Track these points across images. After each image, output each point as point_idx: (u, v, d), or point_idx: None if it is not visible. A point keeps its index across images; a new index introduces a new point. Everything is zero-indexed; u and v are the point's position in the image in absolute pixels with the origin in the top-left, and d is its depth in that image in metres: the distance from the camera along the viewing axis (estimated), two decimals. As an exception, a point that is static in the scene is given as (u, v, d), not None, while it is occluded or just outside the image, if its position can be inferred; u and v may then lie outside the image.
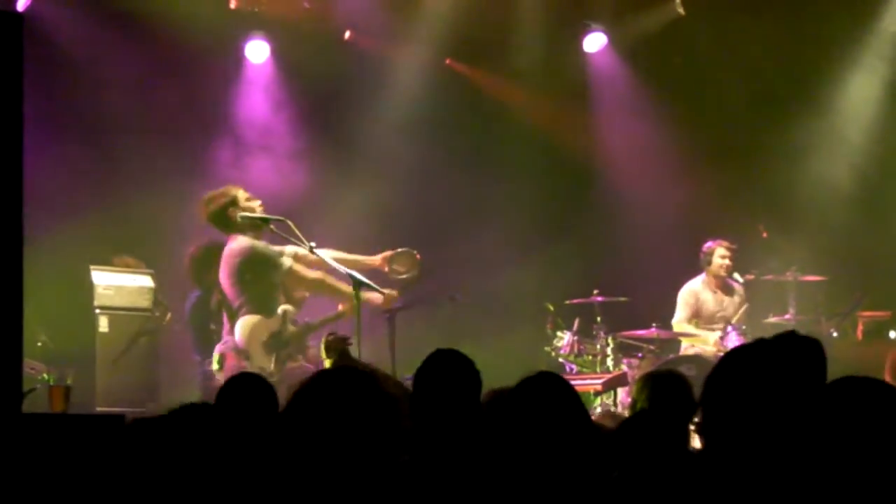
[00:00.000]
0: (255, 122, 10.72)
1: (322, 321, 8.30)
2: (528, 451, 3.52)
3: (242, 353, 7.83)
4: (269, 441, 4.36)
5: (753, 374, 3.19)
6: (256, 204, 8.23)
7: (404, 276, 8.34)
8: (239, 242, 8.07)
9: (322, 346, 6.83)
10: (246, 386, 4.63)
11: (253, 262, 8.00)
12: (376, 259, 8.31)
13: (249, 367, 7.74)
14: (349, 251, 8.54)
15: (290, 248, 8.11)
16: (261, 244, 8.08)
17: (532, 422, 3.55)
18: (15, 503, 4.29)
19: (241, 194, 8.23)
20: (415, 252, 8.42)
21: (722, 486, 3.09)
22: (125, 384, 8.76)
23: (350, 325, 7.61)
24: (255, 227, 8.10)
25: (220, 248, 8.34)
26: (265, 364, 7.83)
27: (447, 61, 11.34)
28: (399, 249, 8.44)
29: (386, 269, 8.30)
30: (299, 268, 8.05)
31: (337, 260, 7.82)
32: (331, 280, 8.07)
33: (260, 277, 8.00)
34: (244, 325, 7.90)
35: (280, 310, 8.05)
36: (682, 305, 10.41)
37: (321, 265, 8.05)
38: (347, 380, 3.14)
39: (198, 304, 9.01)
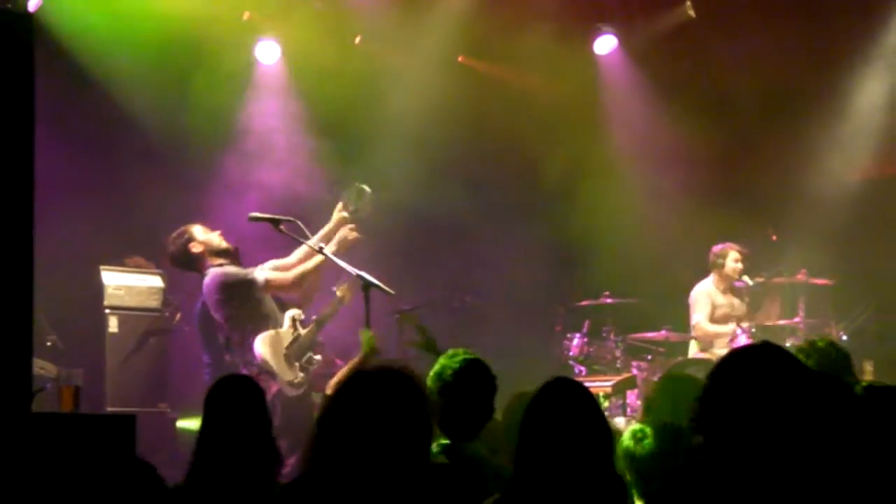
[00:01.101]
0: (264, 125, 10.73)
1: (328, 314, 8.30)
2: (548, 454, 3.53)
3: (268, 373, 7.79)
4: (259, 441, 4.37)
5: (755, 377, 3.17)
6: (215, 235, 8.19)
7: (363, 213, 8.27)
8: (210, 277, 8.03)
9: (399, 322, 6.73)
10: (234, 388, 4.62)
11: (230, 288, 7.96)
12: (341, 218, 8.23)
13: (280, 384, 7.73)
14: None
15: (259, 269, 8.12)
16: (230, 268, 8.05)
17: (552, 426, 3.55)
18: (25, 503, 4.30)
19: (198, 229, 8.18)
20: (362, 186, 8.34)
21: (721, 486, 3.08)
22: (135, 384, 8.78)
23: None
24: (219, 254, 8.08)
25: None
26: (291, 377, 7.80)
27: (460, 58, 11.32)
28: (347, 193, 8.34)
29: (347, 215, 8.22)
30: (274, 276, 8.02)
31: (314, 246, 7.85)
32: (307, 267, 8.03)
33: (245, 299, 7.97)
34: (263, 342, 7.86)
35: (288, 317, 8.04)
36: (700, 305, 10.33)
37: (307, 265, 8.08)
38: (386, 380, 3.16)
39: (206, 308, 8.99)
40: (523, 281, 11.04)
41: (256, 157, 10.58)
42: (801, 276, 10.35)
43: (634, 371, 9.98)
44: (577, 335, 10.20)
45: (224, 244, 8.12)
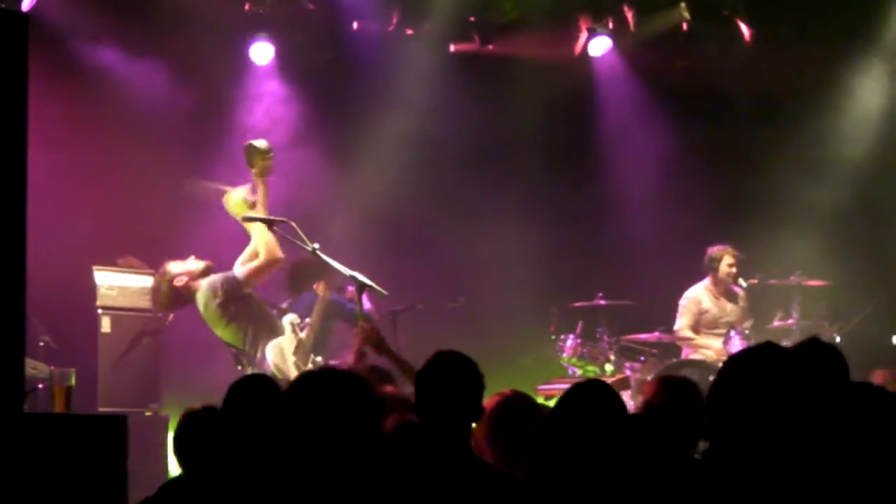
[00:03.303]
0: (260, 124, 10.72)
1: (317, 314, 8.28)
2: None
3: (281, 381, 7.78)
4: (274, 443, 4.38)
5: (764, 378, 3.14)
6: (189, 261, 8.15)
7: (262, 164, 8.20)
8: (198, 300, 8.04)
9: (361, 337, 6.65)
10: (253, 388, 4.62)
11: (217, 292, 7.95)
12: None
13: None
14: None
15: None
16: (208, 279, 8.04)
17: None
18: (16, 503, 4.29)
19: (171, 265, 8.14)
20: (255, 145, 8.25)
21: (728, 488, 3.06)
22: (127, 385, 8.77)
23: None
24: (202, 276, 8.05)
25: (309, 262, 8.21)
26: None
27: (451, 48, 11.30)
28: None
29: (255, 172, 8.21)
30: (248, 267, 7.97)
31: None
32: (268, 243, 7.96)
33: (236, 298, 7.95)
34: (272, 351, 7.88)
35: (287, 323, 8.03)
36: (683, 313, 10.38)
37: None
38: (331, 383, 3.12)
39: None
40: (517, 282, 11.04)
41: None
42: (794, 278, 10.36)
43: (628, 372, 9.98)
44: (571, 336, 10.19)
45: (201, 264, 8.13)
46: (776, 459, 3.02)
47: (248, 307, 8.01)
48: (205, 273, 8.10)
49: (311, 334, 8.09)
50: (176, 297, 8.15)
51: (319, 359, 8.06)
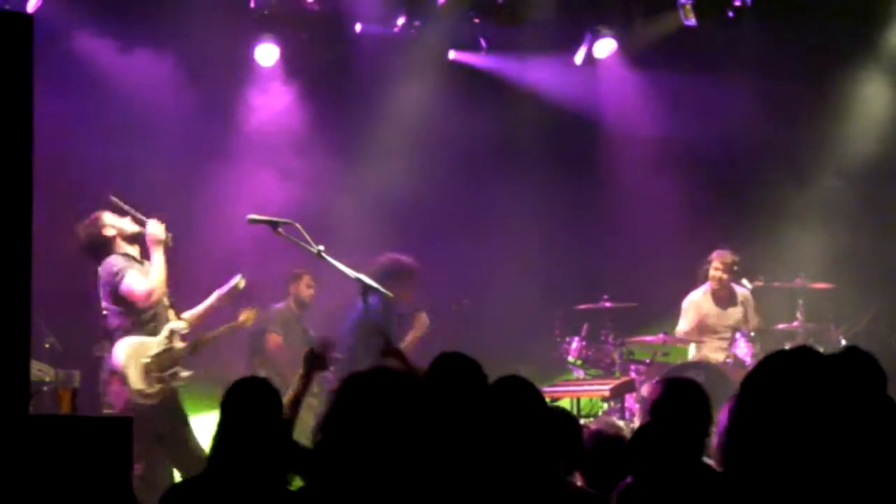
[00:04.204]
0: (264, 126, 10.73)
1: (211, 337, 8.19)
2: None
3: (120, 375, 7.61)
4: (272, 444, 4.38)
5: (798, 381, 3.04)
6: (126, 220, 7.96)
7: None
8: (108, 264, 7.81)
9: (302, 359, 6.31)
10: (250, 390, 4.62)
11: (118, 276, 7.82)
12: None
13: (128, 391, 7.53)
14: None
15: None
16: (129, 268, 7.90)
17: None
18: (22, 505, 4.30)
19: (108, 215, 7.92)
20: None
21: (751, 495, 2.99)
22: (133, 386, 8.73)
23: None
24: (130, 239, 7.90)
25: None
26: (143, 387, 7.52)
27: (456, 50, 11.30)
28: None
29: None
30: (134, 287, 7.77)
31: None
32: (157, 270, 7.86)
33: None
34: (123, 346, 7.65)
35: (166, 329, 7.89)
36: (684, 316, 10.40)
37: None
38: (390, 382, 3.13)
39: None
40: (521, 284, 11.03)
41: (256, 155, 10.59)
42: (799, 281, 10.36)
43: (633, 375, 9.97)
44: (576, 338, 10.19)
45: (136, 228, 7.98)
46: (805, 467, 2.92)
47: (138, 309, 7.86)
48: (134, 238, 7.93)
49: (193, 349, 7.93)
50: (96, 244, 7.88)
51: (185, 374, 7.87)
